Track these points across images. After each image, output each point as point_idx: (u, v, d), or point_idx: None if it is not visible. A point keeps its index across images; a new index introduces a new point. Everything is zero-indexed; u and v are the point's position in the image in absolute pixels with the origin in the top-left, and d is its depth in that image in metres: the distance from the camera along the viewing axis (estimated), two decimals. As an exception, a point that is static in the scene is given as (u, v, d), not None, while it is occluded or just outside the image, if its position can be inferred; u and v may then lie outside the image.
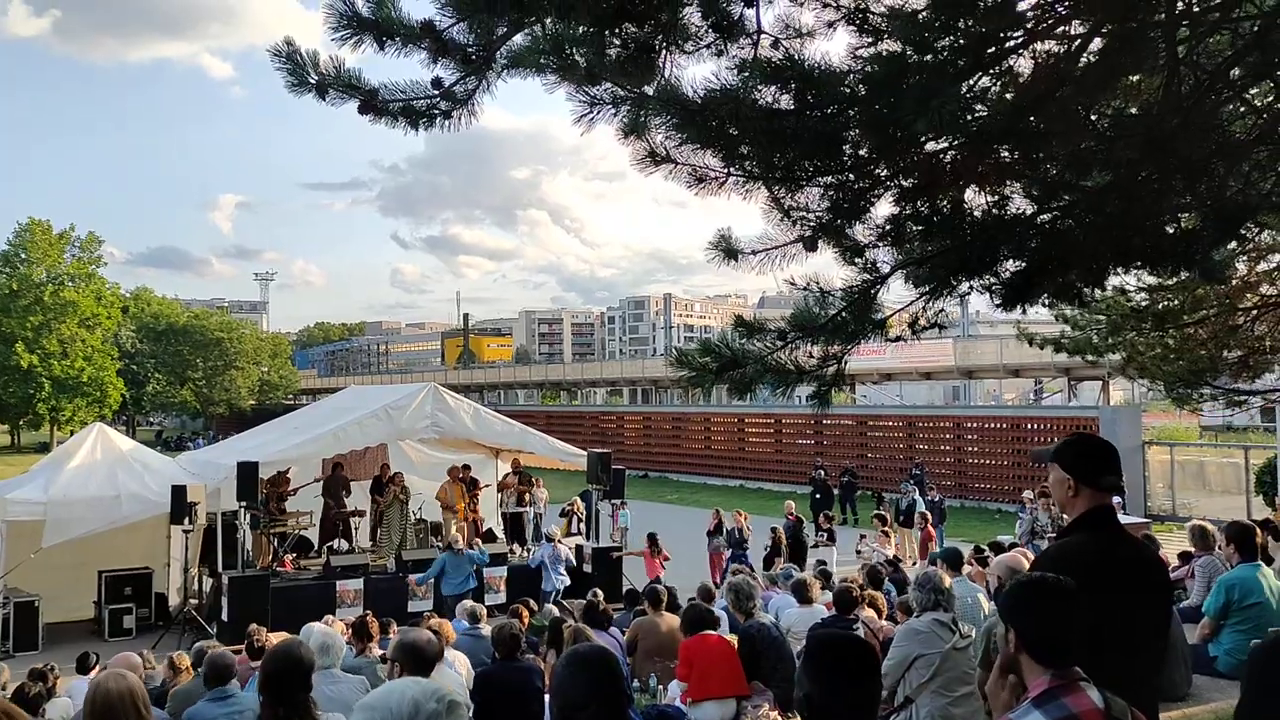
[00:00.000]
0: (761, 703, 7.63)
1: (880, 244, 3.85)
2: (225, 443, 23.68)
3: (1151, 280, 10.42)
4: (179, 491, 15.38)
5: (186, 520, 15.34)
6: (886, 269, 3.90)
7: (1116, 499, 3.38)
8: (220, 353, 75.90)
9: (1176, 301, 10.49)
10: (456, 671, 7.72)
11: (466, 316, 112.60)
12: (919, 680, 5.69)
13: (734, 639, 8.23)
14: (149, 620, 16.20)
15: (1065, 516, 3.42)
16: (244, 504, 15.27)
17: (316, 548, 18.26)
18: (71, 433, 41.64)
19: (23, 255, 63.91)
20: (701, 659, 7.31)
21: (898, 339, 4.07)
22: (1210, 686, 6.78)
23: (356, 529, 18.62)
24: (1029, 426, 30.03)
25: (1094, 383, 36.75)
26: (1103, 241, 3.87)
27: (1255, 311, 10.94)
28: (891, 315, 3.94)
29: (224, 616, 15.13)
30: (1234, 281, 10.26)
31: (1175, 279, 9.05)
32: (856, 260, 3.94)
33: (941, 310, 3.92)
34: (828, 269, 3.96)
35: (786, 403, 44.26)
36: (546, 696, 7.95)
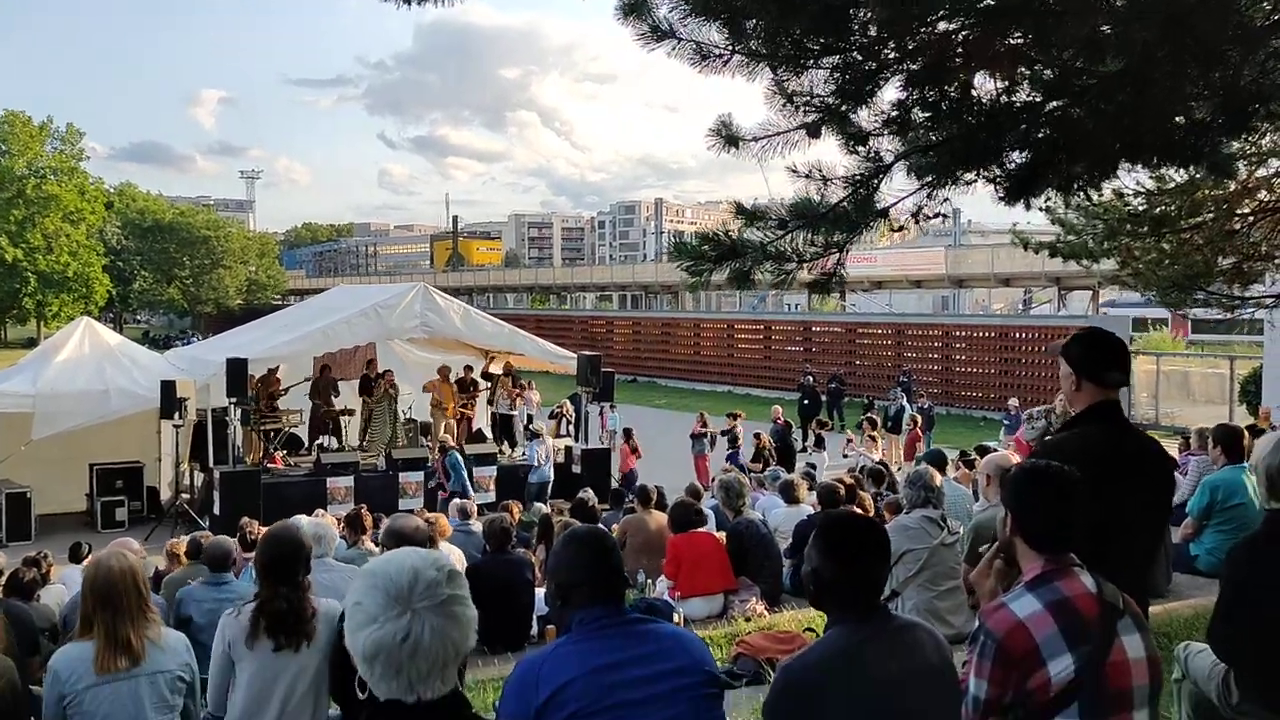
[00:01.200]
0: (749, 596, 7.77)
1: (885, 131, 3.75)
2: (213, 340, 23.59)
3: (1150, 184, 10.30)
4: (168, 387, 15.36)
5: (176, 415, 15.35)
6: (890, 158, 3.81)
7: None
8: (207, 251, 75.26)
9: (1174, 206, 10.37)
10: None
11: (455, 219, 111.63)
12: (906, 574, 5.76)
13: (722, 536, 8.33)
14: (141, 513, 16.34)
15: (1071, 411, 3.42)
16: (234, 400, 15.26)
17: (306, 445, 18.33)
18: (58, 328, 41.49)
19: (2, 147, 62.77)
20: (689, 557, 7.39)
21: (900, 229, 4.01)
22: (1190, 584, 6.91)
23: (346, 427, 18.68)
24: (1017, 335, 30.12)
25: (1083, 292, 36.83)
26: (1112, 132, 3.78)
27: (1252, 217, 10.84)
28: (894, 204, 3.86)
29: (215, 511, 15.25)
30: (1233, 186, 10.15)
31: (1178, 178, 8.94)
32: (859, 149, 3.84)
33: (946, 200, 3.85)
34: (830, 159, 3.87)
35: (776, 309, 44.38)
36: (538, 590, 8.08)
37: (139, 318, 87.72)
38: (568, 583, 2.66)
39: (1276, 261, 11.13)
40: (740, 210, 3.84)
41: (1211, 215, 10.51)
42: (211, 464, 16.01)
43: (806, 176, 3.75)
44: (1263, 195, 10.66)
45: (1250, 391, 23.51)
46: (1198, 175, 9.07)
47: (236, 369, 14.99)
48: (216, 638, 4.30)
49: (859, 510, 8.80)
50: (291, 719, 4.17)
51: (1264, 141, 9.25)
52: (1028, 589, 2.74)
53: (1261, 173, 10.18)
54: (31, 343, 56.13)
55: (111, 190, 75.01)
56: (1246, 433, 8.11)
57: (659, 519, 9.18)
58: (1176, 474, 8.22)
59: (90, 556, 5.62)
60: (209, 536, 8.96)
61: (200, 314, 77.41)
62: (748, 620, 7.25)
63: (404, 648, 1.71)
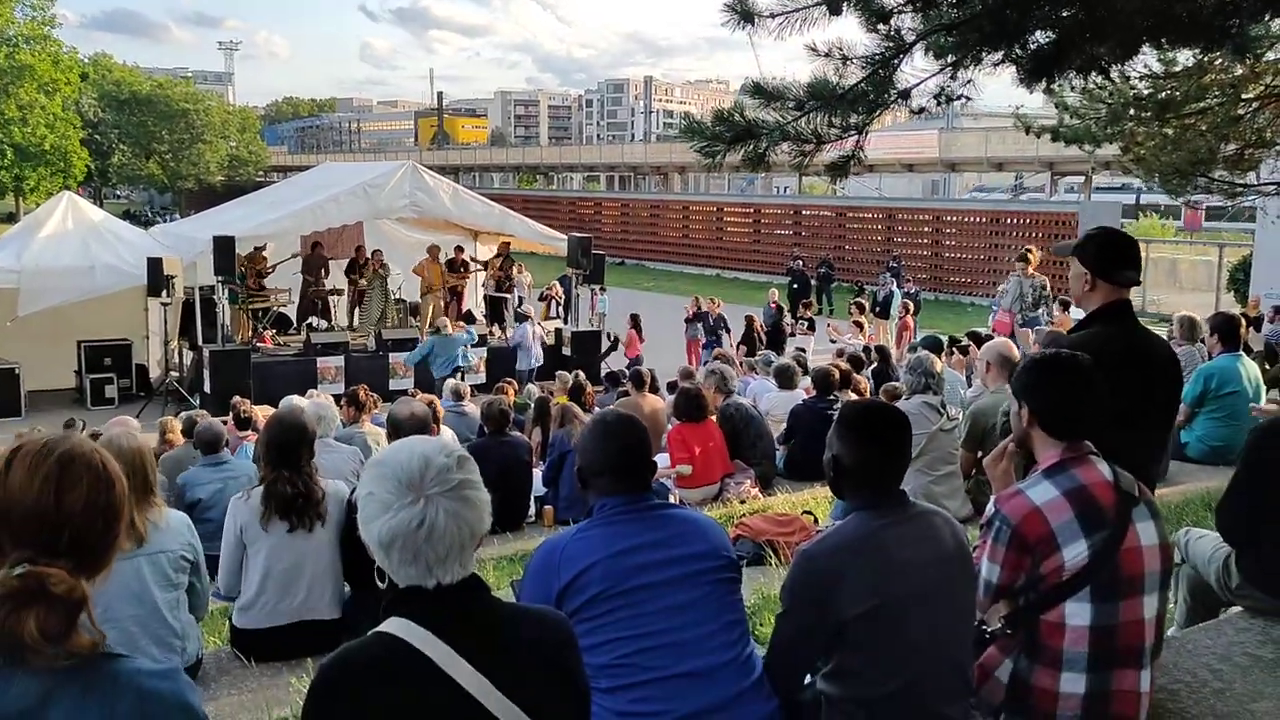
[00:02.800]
0: (743, 479, 7.86)
1: (908, 9, 3.62)
2: (199, 217, 23.23)
3: (1157, 67, 10.10)
4: (155, 264, 15.20)
5: (164, 293, 15.22)
6: (912, 37, 3.68)
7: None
8: (186, 125, 73.49)
9: (1180, 91, 10.19)
10: (448, 445, 7.83)
11: (440, 95, 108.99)
12: (905, 459, 5.81)
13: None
14: (130, 390, 16.32)
15: (1085, 308, 3.40)
16: (221, 278, 15.12)
17: (295, 325, 18.26)
18: (37, 203, 40.70)
19: (-31, 15, 60.59)
20: (703, 446, 7.42)
21: (921, 110, 3.91)
22: (1180, 471, 7.00)
23: (335, 307, 18.59)
24: (1008, 221, 29.95)
25: (1075, 178, 36.56)
26: (1140, 11, 3.66)
27: (1257, 103, 10.68)
28: (916, 85, 3.76)
29: (206, 389, 15.26)
30: (1240, 70, 9.98)
31: (1187, 61, 8.76)
32: (880, 27, 3.71)
33: (969, 82, 3.74)
34: (850, 37, 3.74)
35: (765, 192, 43.92)
36: (535, 471, 8.16)
37: (118, 193, 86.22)
38: (592, 468, 2.66)
39: (1277, 149, 11.02)
40: (757, 89, 3.72)
41: (1217, 100, 10.35)
42: (200, 342, 15.95)
43: (826, 55, 3.63)
44: (1269, 79, 10.49)
45: (1239, 280, 23.58)
46: (1207, 59, 8.88)
47: (224, 246, 14.79)
48: (227, 522, 4.34)
49: (854, 395, 8.87)
50: (305, 598, 4.24)
51: (1276, 24, 9.04)
52: (1045, 476, 2.76)
53: (1270, 56, 9.99)
54: (11, 217, 55.24)
55: (86, 61, 72.79)
56: (1242, 321, 8.14)
57: (653, 402, 9.23)
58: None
59: (103, 436, 5.60)
60: (205, 416, 8.99)
61: (181, 190, 76.00)
62: (742, 503, 7.35)
63: (419, 533, 1.72)
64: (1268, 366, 8.53)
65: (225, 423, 8.48)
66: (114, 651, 1.57)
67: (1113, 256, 3.29)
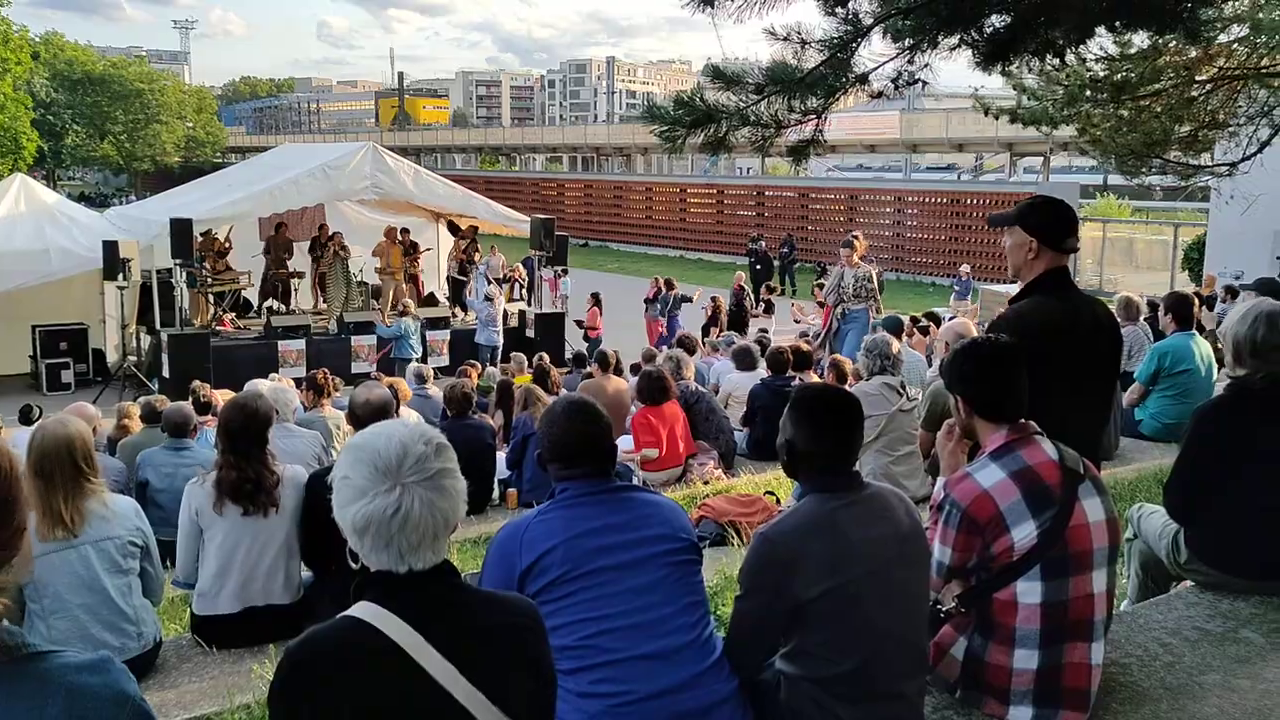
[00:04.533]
0: (706, 460, 7.91)
1: (865, -9, 3.64)
2: (156, 199, 22.89)
3: (1113, 49, 10.21)
4: (111, 247, 14.97)
5: (120, 277, 15.00)
6: (870, 20, 3.70)
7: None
8: (141, 105, 72.20)
9: (1135, 72, 10.31)
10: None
11: (401, 75, 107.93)
12: (865, 440, 5.87)
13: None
14: (87, 375, 16.11)
15: (1019, 280, 3.45)
16: (179, 261, 14.93)
17: (256, 308, 18.08)
18: (-12, 187, 40.00)
19: (-87, -12, 59.07)
20: (667, 429, 7.45)
21: (878, 95, 3.93)
22: (1134, 448, 7.13)
23: (296, 290, 18.41)
24: (969, 201, 30.19)
25: (1034, 159, 36.86)
26: (1094, -5, 3.71)
27: (1210, 85, 10.83)
28: (874, 69, 3.78)
29: (164, 373, 15.09)
30: (1194, 52, 10.10)
31: (1142, 43, 8.86)
32: (838, 10, 3.73)
33: (926, 66, 3.77)
34: (809, 20, 3.75)
35: (728, 173, 43.95)
36: (499, 454, 8.15)
37: (72, 175, 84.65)
38: (553, 452, 2.68)
39: (1230, 130, 11.18)
40: (717, 74, 3.73)
41: (1171, 82, 10.48)
42: (158, 326, 15.75)
43: (784, 39, 3.64)
44: (1222, 62, 10.63)
45: (1193, 259, 23.93)
46: (1162, 41, 8.99)
47: (182, 229, 14.61)
48: (183, 506, 4.31)
49: (813, 376, 8.93)
50: (263, 583, 4.22)
51: (1228, 7, 9.18)
52: (991, 459, 2.81)
53: (1223, 39, 10.12)
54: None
55: (37, 40, 71.28)
56: (1196, 300, 8.28)
57: (617, 384, 9.24)
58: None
59: (36, 423, 5.56)
60: (164, 401, 8.89)
61: (137, 171, 74.74)
62: (705, 483, 7.39)
63: (394, 521, 1.72)
64: (1220, 345, 8.67)
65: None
66: (40, 649, 1.49)
67: (1057, 224, 3.33)
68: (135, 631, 3.83)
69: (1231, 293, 13.22)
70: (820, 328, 14.51)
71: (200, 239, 16.50)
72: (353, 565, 1.81)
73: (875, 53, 3.79)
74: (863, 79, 3.78)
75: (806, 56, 3.78)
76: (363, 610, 1.74)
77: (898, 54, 3.81)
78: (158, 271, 15.73)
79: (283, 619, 4.26)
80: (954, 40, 3.73)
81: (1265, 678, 3.07)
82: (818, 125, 3.97)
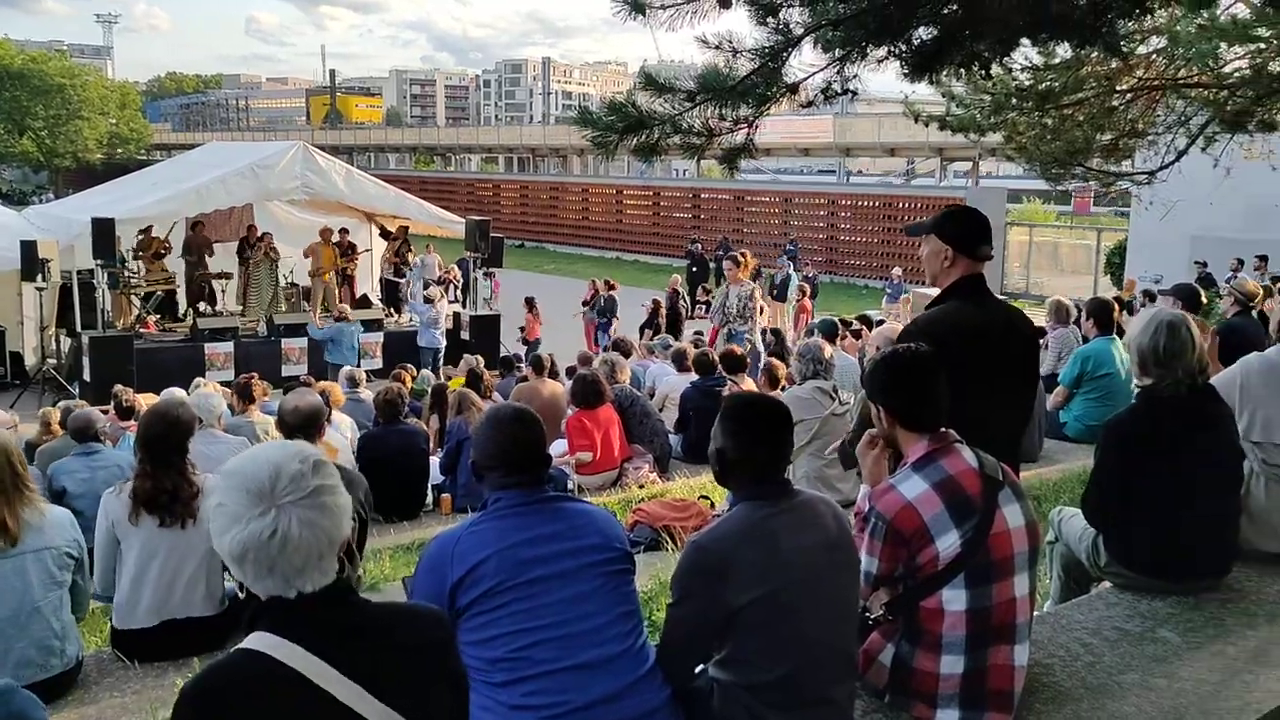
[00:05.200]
0: (641, 464, 7.93)
1: (795, 3, 3.68)
2: (77, 198, 22.31)
3: (1037, 59, 10.43)
4: (29, 247, 14.55)
5: (40, 277, 14.58)
6: (800, 31, 3.75)
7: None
8: (63, 101, 70.27)
9: (1059, 82, 10.55)
10: (343, 435, 7.72)
11: (333, 73, 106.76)
12: (798, 443, 5.92)
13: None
14: (4, 379, 15.63)
15: (936, 287, 3.51)
16: (101, 262, 14.56)
17: (181, 311, 17.68)
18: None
19: None
20: (602, 433, 7.45)
21: (809, 104, 3.98)
22: (1059, 449, 7.31)
23: (223, 292, 18.04)
24: (901, 205, 30.64)
25: (964, 164, 37.55)
26: (1017, 9, 3.79)
27: (1131, 94, 11.12)
28: (804, 79, 3.82)
29: (85, 376, 14.71)
30: (1115, 63, 10.35)
31: (1065, 54, 9.07)
32: (769, 20, 3.77)
33: (856, 77, 3.82)
34: (741, 29, 3.79)
35: (664, 175, 44.10)
36: (432, 459, 8.08)
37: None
38: (486, 462, 2.66)
39: (1149, 139, 11.50)
40: (650, 81, 3.75)
41: (1093, 92, 10.75)
42: (79, 328, 15.34)
43: (716, 48, 3.68)
44: (1141, 72, 10.93)
45: (1115, 263, 24.57)
46: (1084, 52, 9.21)
47: (104, 229, 14.23)
48: (100, 516, 4.20)
49: (747, 379, 8.99)
50: (183, 595, 4.13)
51: (1147, 20, 9.41)
52: (914, 470, 2.85)
53: (1142, 50, 10.40)
54: None
55: (-49, 33, 69.07)
56: (1116, 305, 8.50)
57: (553, 388, 9.22)
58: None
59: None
60: (82, 405, 8.67)
61: (58, 168, 72.81)
62: (641, 487, 7.40)
63: (272, 545, 1.66)
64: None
65: (106, 412, 8.21)
66: None
67: (971, 232, 3.39)
68: (60, 648, 3.73)
69: (1150, 297, 13.60)
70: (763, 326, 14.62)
71: (140, 236, 16.15)
72: (240, 596, 1.76)
73: (806, 63, 3.84)
74: (793, 88, 3.83)
75: (738, 65, 3.81)
76: (258, 641, 1.69)
77: (828, 64, 3.86)
78: (79, 272, 15.32)
79: (205, 631, 4.17)
80: (882, 52, 3.79)
81: (1181, 676, 3.16)
82: (749, 133, 4.00)
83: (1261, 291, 7.84)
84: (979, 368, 3.15)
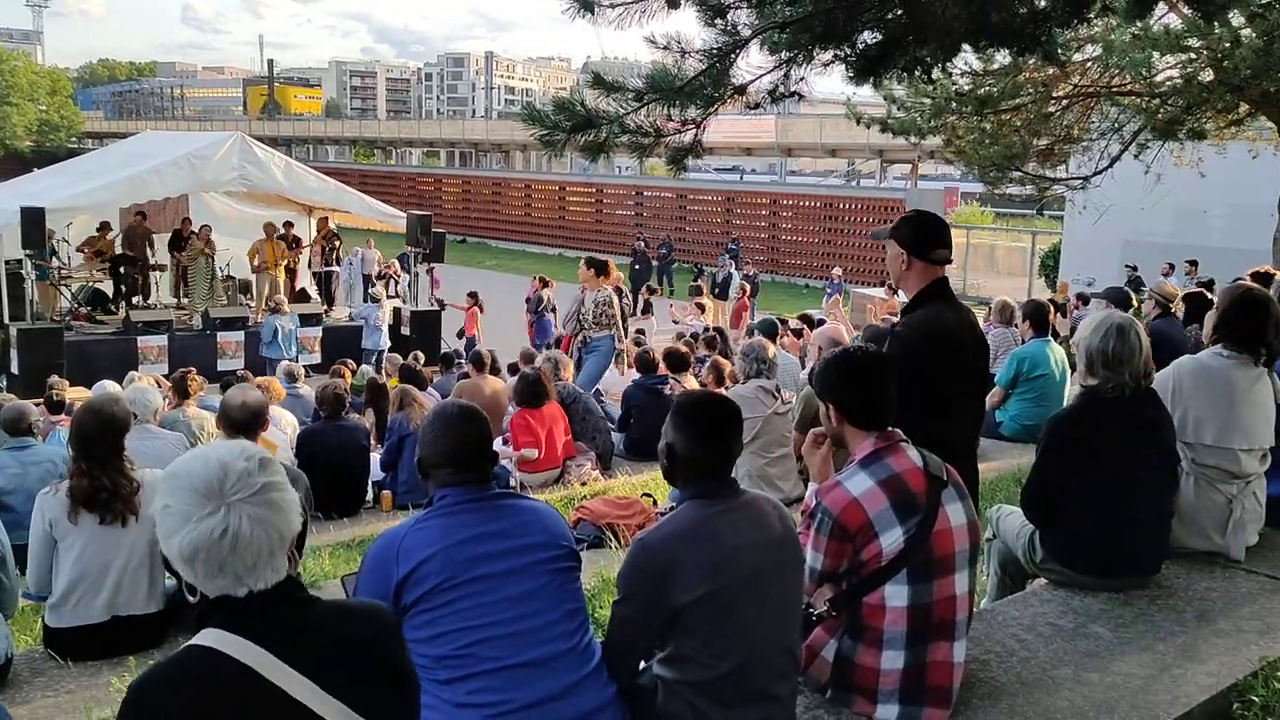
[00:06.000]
0: (584, 462, 7.92)
1: (743, 5, 3.71)
2: (5, 185, 21.66)
3: (977, 65, 10.62)
4: (-46, 237, 14.13)
5: (-35, 268, 14.18)
6: (747, 33, 3.78)
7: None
8: (-11, 86, 68.60)
9: (997, 88, 10.77)
10: (283, 431, 7.62)
11: (271, 63, 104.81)
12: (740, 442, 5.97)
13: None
14: (-72, 371, 15.18)
15: (901, 291, 3.59)
16: (29, 253, 14.19)
17: (112, 302, 17.28)
18: None
19: None
20: (534, 431, 7.42)
21: (755, 106, 4.01)
22: (994, 449, 7.43)
23: (156, 285, 17.68)
24: (842, 205, 30.99)
25: (904, 165, 38.04)
26: (960, 16, 3.86)
27: (1067, 101, 11.37)
28: (752, 81, 3.86)
29: (13, 369, 14.33)
30: (1052, 70, 10.57)
31: (1004, 60, 9.26)
32: (717, 22, 3.80)
33: (802, 79, 3.87)
34: (689, 31, 3.81)
35: (607, 172, 44.10)
36: (372, 455, 8.00)
37: (-89, 157, 79.64)
38: (432, 459, 2.65)
39: (1084, 145, 11.78)
40: (598, 80, 3.76)
41: (1030, 98, 10.99)
42: (6, 320, 14.93)
43: (664, 48, 3.70)
44: (1077, 79, 11.19)
45: (1050, 266, 25.05)
46: (1022, 59, 9.42)
47: (33, 218, 13.88)
48: (35, 516, 4.10)
49: (690, 378, 9.03)
50: (125, 593, 4.06)
51: (1083, 29, 9.62)
52: (860, 466, 2.90)
53: (1078, 57, 10.64)
54: None
55: None
56: (1051, 307, 8.68)
57: (494, 384, 9.18)
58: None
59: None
60: (9, 398, 8.45)
61: (-16, 155, 70.96)
62: (583, 484, 7.40)
63: (224, 544, 1.65)
64: (1074, 351, 9.14)
65: (38, 404, 8.01)
66: None
67: (925, 236, 3.46)
68: (-14, 647, 3.64)
69: (1083, 299, 13.90)
70: (704, 325, 14.68)
71: (96, 233, 15.80)
72: (190, 599, 1.73)
73: (753, 65, 3.87)
74: (741, 90, 3.86)
75: (686, 66, 3.84)
76: (209, 638, 1.67)
77: (775, 67, 3.89)
78: (6, 262, 14.91)
79: (143, 629, 4.11)
80: (828, 55, 3.84)
81: (1113, 670, 3.24)
82: (696, 133, 4.03)
83: (1180, 294, 8.05)
84: (955, 372, 3.23)
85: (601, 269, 10.31)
